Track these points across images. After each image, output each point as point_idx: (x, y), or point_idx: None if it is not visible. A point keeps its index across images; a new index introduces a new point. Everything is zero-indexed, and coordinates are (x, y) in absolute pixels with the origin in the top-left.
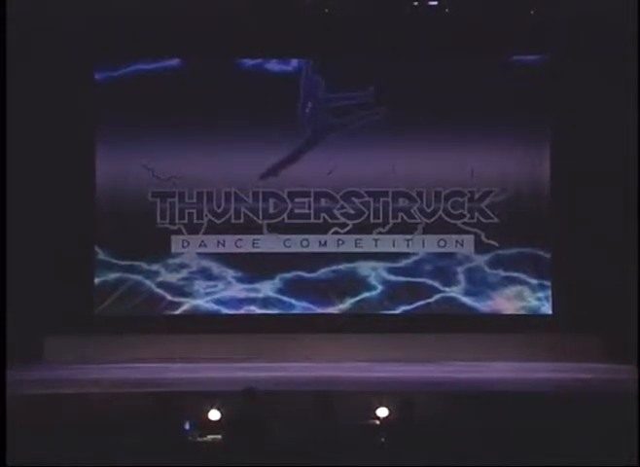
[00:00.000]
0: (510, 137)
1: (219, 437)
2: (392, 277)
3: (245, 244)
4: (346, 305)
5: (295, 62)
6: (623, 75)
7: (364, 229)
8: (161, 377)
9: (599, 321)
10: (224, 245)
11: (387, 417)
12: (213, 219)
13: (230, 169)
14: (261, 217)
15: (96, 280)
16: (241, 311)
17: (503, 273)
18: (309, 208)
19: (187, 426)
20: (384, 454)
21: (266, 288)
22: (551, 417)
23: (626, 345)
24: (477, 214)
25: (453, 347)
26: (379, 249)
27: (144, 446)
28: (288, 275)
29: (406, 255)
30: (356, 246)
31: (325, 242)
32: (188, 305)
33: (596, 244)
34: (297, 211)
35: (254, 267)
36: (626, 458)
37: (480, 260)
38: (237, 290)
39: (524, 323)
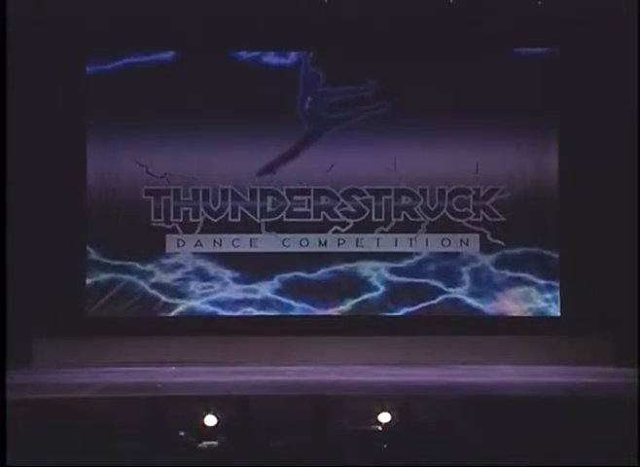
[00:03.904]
0: (516, 133)
1: (215, 443)
2: (394, 278)
3: (242, 244)
4: (347, 306)
5: (294, 55)
6: (634, 71)
7: (365, 228)
8: (156, 380)
9: (609, 323)
10: (220, 245)
11: (389, 423)
12: (209, 217)
13: (226, 166)
14: (258, 216)
15: (88, 281)
16: (238, 313)
17: (509, 274)
18: (309, 206)
19: (182, 432)
20: (386, 461)
21: (264, 289)
22: (559, 422)
23: (637, 348)
24: (482, 212)
25: (458, 350)
26: (381, 249)
27: (138, 451)
28: (287, 276)
29: (408, 255)
30: (357, 246)
31: (325, 242)
32: (183, 306)
33: (606, 244)
34: (296, 209)
35: (251, 267)
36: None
37: (486, 260)
38: (234, 291)
39: (531, 325)
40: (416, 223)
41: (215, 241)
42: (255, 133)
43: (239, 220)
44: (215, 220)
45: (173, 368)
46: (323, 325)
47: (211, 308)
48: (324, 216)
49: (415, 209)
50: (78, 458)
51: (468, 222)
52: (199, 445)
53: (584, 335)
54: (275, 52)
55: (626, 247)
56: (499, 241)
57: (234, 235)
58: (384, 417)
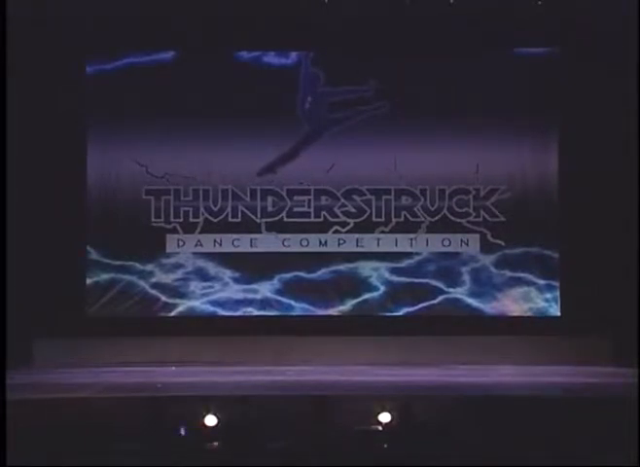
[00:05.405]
0: (516, 133)
1: (215, 443)
2: (394, 278)
3: (243, 244)
4: (347, 306)
5: (294, 55)
6: (634, 71)
7: (365, 228)
8: (156, 380)
9: (609, 323)
10: (220, 245)
11: (389, 423)
12: (209, 217)
13: (226, 166)
14: (259, 215)
15: (88, 281)
16: (239, 313)
17: (509, 274)
18: (309, 206)
19: (182, 432)
20: (386, 461)
21: (265, 289)
22: (559, 422)
23: (637, 348)
24: (482, 212)
25: (458, 350)
26: (381, 249)
27: (138, 451)
28: (287, 276)
29: (409, 255)
30: (357, 246)
31: (325, 242)
32: (183, 306)
33: (606, 244)
34: (296, 209)
35: (252, 267)
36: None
37: (486, 260)
38: (234, 291)
39: (531, 325)
40: (416, 223)
41: (215, 241)
42: (255, 133)
43: (239, 220)
44: (215, 220)
45: (173, 368)
46: (323, 325)
47: (211, 308)
48: (324, 216)
49: (415, 209)
50: (78, 458)
51: (468, 222)
52: (200, 445)
53: (584, 335)
54: (276, 52)
55: (626, 247)
56: (499, 241)
57: (234, 235)
58: (384, 417)
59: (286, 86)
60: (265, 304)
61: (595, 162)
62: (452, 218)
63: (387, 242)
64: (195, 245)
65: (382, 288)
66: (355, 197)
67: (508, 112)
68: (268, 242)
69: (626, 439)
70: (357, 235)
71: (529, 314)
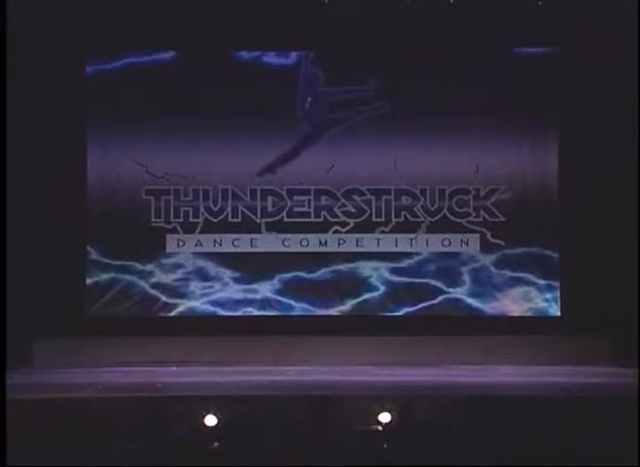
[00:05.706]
0: (516, 133)
1: (215, 444)
2: (394, 278)
3: (243, 244)
4: (347, 306)
5: (294, 55)
6: (634, 71)
7: (365, 228)
8: (156, 380)
9: (609, 323)
10: (220, 245)
11: (389, 423)
12: (209, 217)
13: (226, 166)
14: (259, 215)
15: (88, 281)
16: (239, 313)
17: (509, 274)
18: (309, 206)
19: (182, 432)
20: (386, 461)
21: (265, 289)
22: (559, 422)
23: (637, 348)
24: (482, 212)
25: (458, 350)
26: (381, 249)
27: (138, 451)
28: (287, 276)
29: (409, 255)
30: (357, 246)
31: (325, 242)
32: (183, 306)
33: (606, 243)
34: (296, 209)
35: (252, 267)
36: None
37: (486, 260)
38: (234, 291)
39: (531, 325)
40: (416, 223)
41: (215, 241)
42: (255, 133)
43: (239, 220)
44: (215, 220)
45: (173, 368)
46: (323, 325)
47: (211, 308)
48: (324, 216)
49: (416, 209)
50: (78, 458)
51: (468, 222)
52: (200, 445)
53: (584, 335)
54: (276, 52)
55: (626, 247)
56: (499, 241)
57: (235, 235)
58: (384, 417)
59: (286, 86)
60: (265, 304)
61: (595, 162)
62: (452, 218)
63: (387, 242)
64: (195, 245)
65: (382, 288)
66: (355, 197)
67: (508, 112)
68: (268, 242)
69: (626, 439)
70: (357, 235)
71: (529, 314)
